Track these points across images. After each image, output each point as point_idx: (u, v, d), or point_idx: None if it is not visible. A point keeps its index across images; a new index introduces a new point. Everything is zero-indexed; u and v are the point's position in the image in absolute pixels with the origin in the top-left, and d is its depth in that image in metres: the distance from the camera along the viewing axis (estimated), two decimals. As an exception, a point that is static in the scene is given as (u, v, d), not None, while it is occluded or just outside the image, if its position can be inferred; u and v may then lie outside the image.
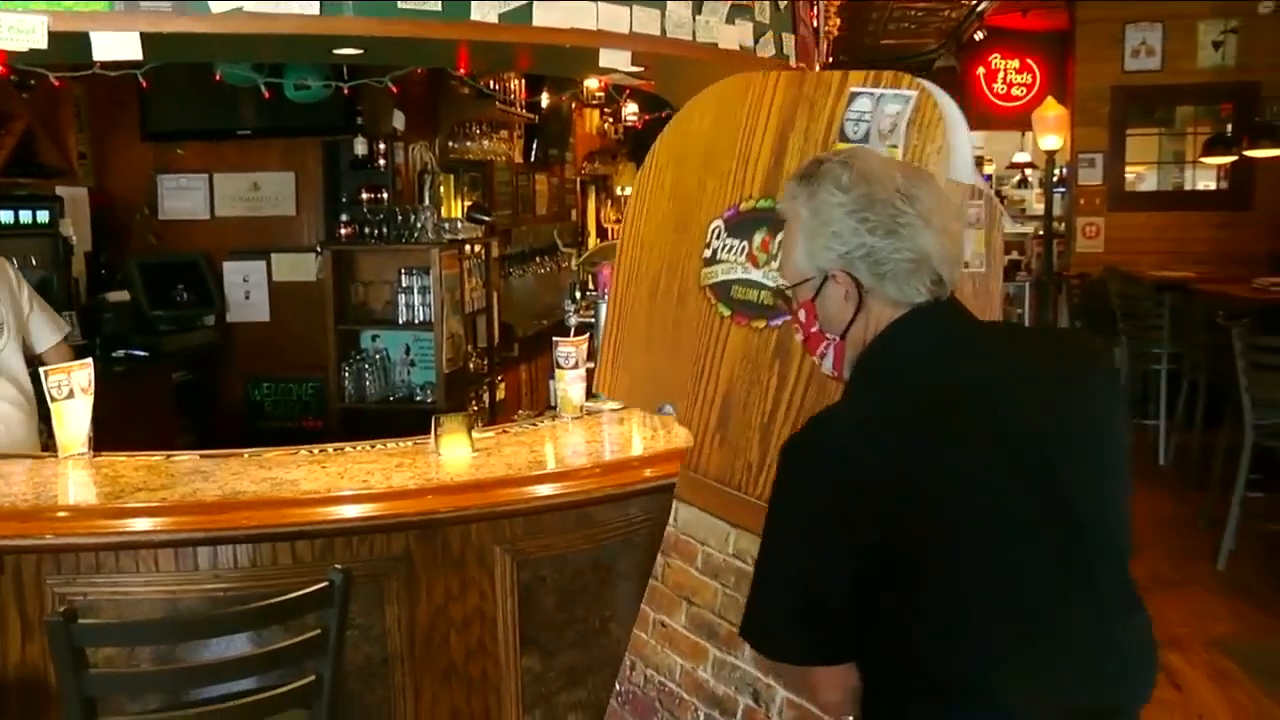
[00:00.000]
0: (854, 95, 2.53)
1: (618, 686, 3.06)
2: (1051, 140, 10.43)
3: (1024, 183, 15.32)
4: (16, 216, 6.03)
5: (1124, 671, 1.94)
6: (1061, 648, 1.88)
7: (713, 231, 2.80)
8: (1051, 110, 10.53)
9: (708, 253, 2.81)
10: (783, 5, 4.41)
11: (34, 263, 6.15)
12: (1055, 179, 10.94)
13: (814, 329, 2.08)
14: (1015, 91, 13.65)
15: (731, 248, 2.75)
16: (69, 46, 3.08)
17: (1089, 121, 10.73)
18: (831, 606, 1.92)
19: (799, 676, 2.13)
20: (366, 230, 6.87)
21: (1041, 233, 10.73)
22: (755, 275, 2.70)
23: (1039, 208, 12.08)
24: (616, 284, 3.04)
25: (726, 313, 2.76)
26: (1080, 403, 1.98)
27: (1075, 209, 10.78)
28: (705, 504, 2.80)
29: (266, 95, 4.89)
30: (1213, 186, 11.06)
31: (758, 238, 2.69)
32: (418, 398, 6.84)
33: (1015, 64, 13.67)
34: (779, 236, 2.51)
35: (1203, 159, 10.43)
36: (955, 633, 1.87)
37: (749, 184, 2.73)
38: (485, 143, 8.20)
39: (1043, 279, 10.39)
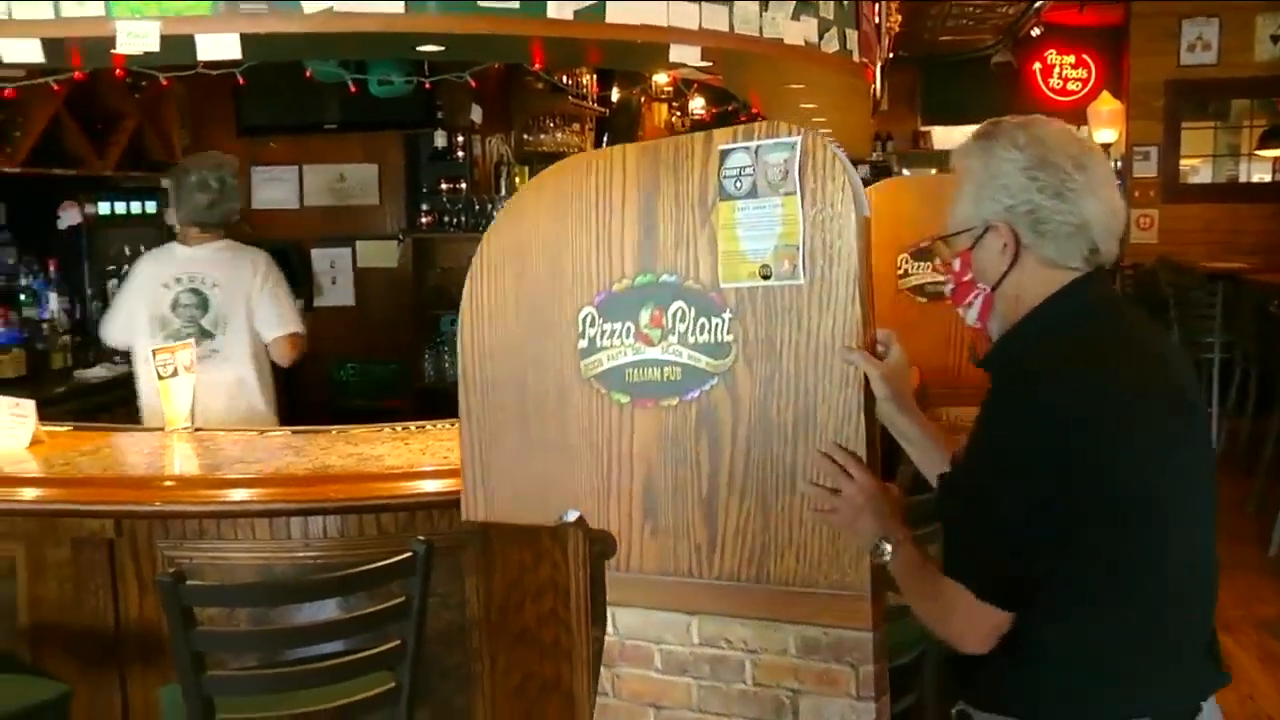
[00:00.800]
0: (726, 153, 2.30)
1: None
2: (1107, 134, 10.29)
3: (1079, 175, 15.07)
4: (127, 206, 6.19)
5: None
6: (1201, 625, 1.98)
7: (584, 320, 2.46)
8: (1107, 104, 10.38)
9: (583, 343, 2.46)
10: (846, 2, 4.37)
11: (141, 249, 6.26)
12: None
13: (966, 278, 2.07)
14: (1071, 86, 13.47)
15: (613, 332, 2.43)
16: (176, 49, 3.13)
17: (1144, 115, 10.56)
18: (1039, 544, 1.87)
19: (947, 614, 1.98)
20: (445, 219, 6.92)
21: (1096, 224, 10.57)
22: (653, 353, 2.39)
23: (1094, 199, 11.90)
24: (467, 401, 2.59)
25: (625, 399, 2.42)
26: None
27: (1129, 201, 10.61)
28: (649, 602, 2.45)
29: (353, 90, 4.93)
30: (1268, 179, 10.84)
31: (644, 315, 2.39)
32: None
33: (1071, 59, 13.49)
34: (672, 307, 2.35)
35: (1258, 151, 10.24)
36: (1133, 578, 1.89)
37: (617, 264, 2.42)
38: (558, 135, 8.23)
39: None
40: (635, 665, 2.49)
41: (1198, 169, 11.04)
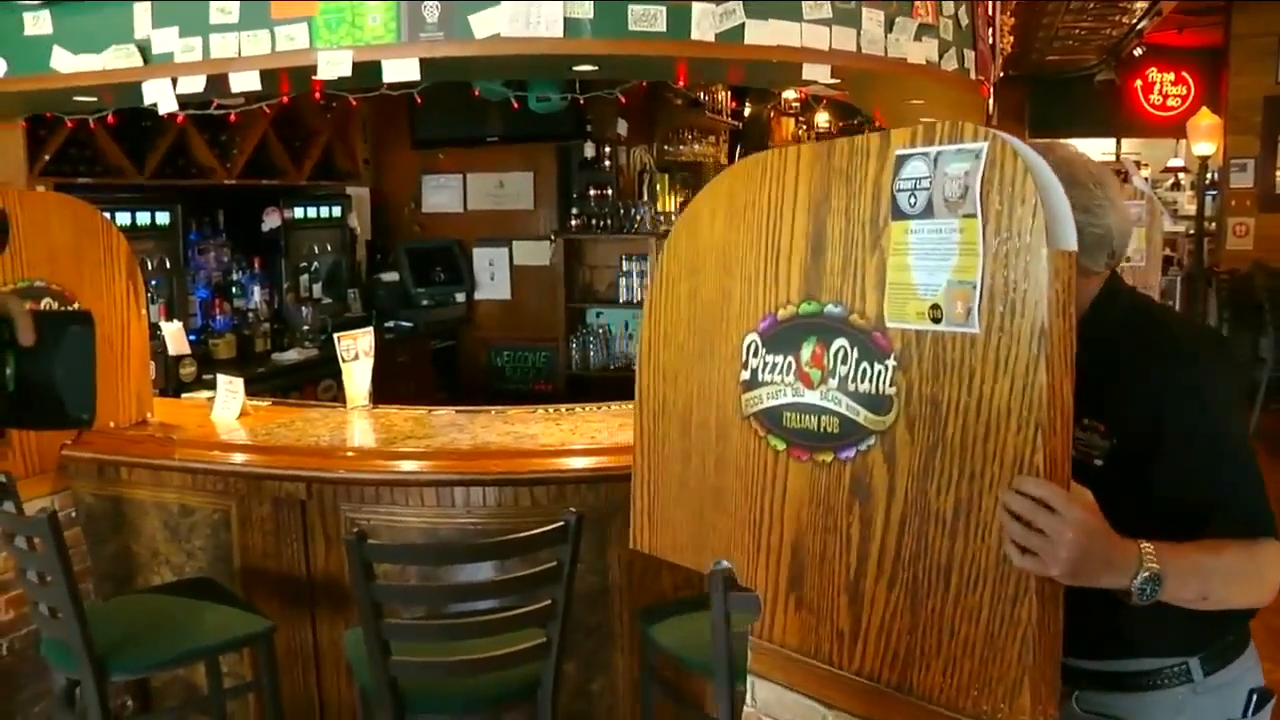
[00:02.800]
0: (902, 159, 1.72)
1: None
2: (1205, 146, 9.86)
3: (1176, 186, 14.51)
4: (319, 212, 6.41)
5: None
6: None
7: (748, 348, 1.97)
8: (1206, 119, 9.95)
9: (745, 374, 1.98)
10: (964, 24, 4.25)
11: (329, 249, 6.46)
12: (1207, 182, 10.35)
13: None
14: (1170, 102, 12.99)
15: (775, 366, 1.93)
16: (365, 73, 3.21)
17: (1241, 130, 10.10)
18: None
19: (1261, 576, 1.75)
20: (593, 222, 6.94)
21: (1193, 232, 10.16)
22: (811, 398, 1.88)
23: (1190, 209, 11.48)
24: (641, 422, 2.19)
25: (781, 446, 1.93)
26: None
27: (1226, 209, 10.16)
28: (788, 680, 1.98)
29: (516, 107, 4.96)
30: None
31: (806, 351, 1.88)
32: (634, 367, 6.85)
33: (1170, 77, 13.00)
34: (835, 344, 1.84)
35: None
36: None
37: (784, 287, 1.91)
38: (695, 146, 8.19)
39: (1193, 274, 9.85)
40: None
41: (1293, 180, 10.53)
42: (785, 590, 1.96)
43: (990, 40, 5.42)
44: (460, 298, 7.19)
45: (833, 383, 1.85)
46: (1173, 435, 1.79)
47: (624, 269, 6.82)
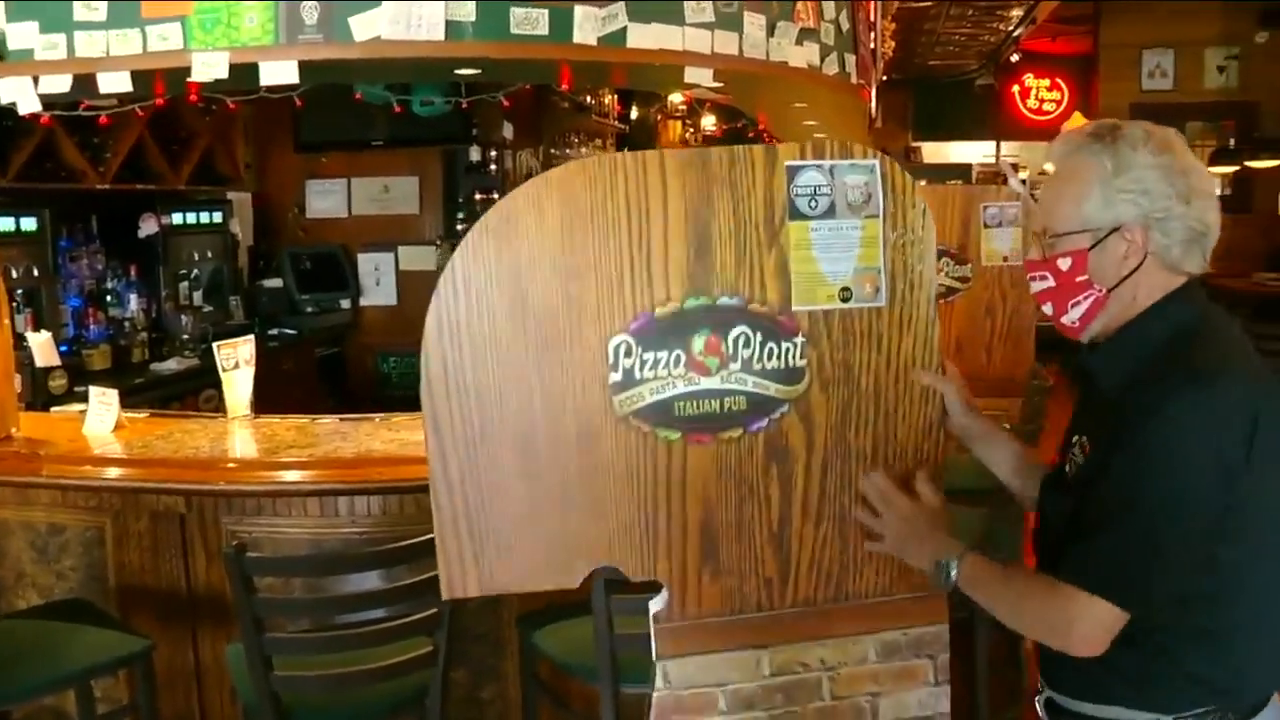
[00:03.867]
0: (796, 169, 1.99)
1: None
2: (1077, 150, 10.22)
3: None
4: (198, 217, 6.26)
5: None
6: None
7: (616, 350, 1.97)
8: (1078, 123, 10.27)
9: (616, 375, 1.97)
10: (845, 29, 4.33)
11: (210, 255, 6.31)
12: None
13: (1080, 278, 1.81)
14: (1046, 107, 13.42)
15: (658, 362, 1.98)
16: (242, 75, 3.14)
17: (1111, 134, 10.50)
18: (1185, 560, 1.69)
19: (1060, 618, 1.74)
20: (480, 226, 6.90)
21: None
22: (710, 383, 1.99)
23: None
24: (443, 462, 1.96)
25: (675, 435, 1.99)
26: None
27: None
28: (709, 646, 2.08)
29: (397, 110, 4.91)
30: (1218, 193, 10.78)
31: (698, 342, 1.98)
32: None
33: (1046, 82, 13.43)
34: (733, 332, 1.98)
35: (1210, 169, 10.14)
36: (1258, 574, 1.73)
37: (661, 286, 1.96)
38: (582, 150, 8.19)
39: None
40: (694, 714, 2.09)
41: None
42: (697, 568, 2.04)
43: (871, 45, 5.54)
44: (346, 304, 7.08)
45: (734, 366, 1.99)
46: (1111, 467, 1.72)
47: (512, 273, 6.80)
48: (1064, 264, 1.82)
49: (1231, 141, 9.92)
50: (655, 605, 2.06)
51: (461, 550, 1.97)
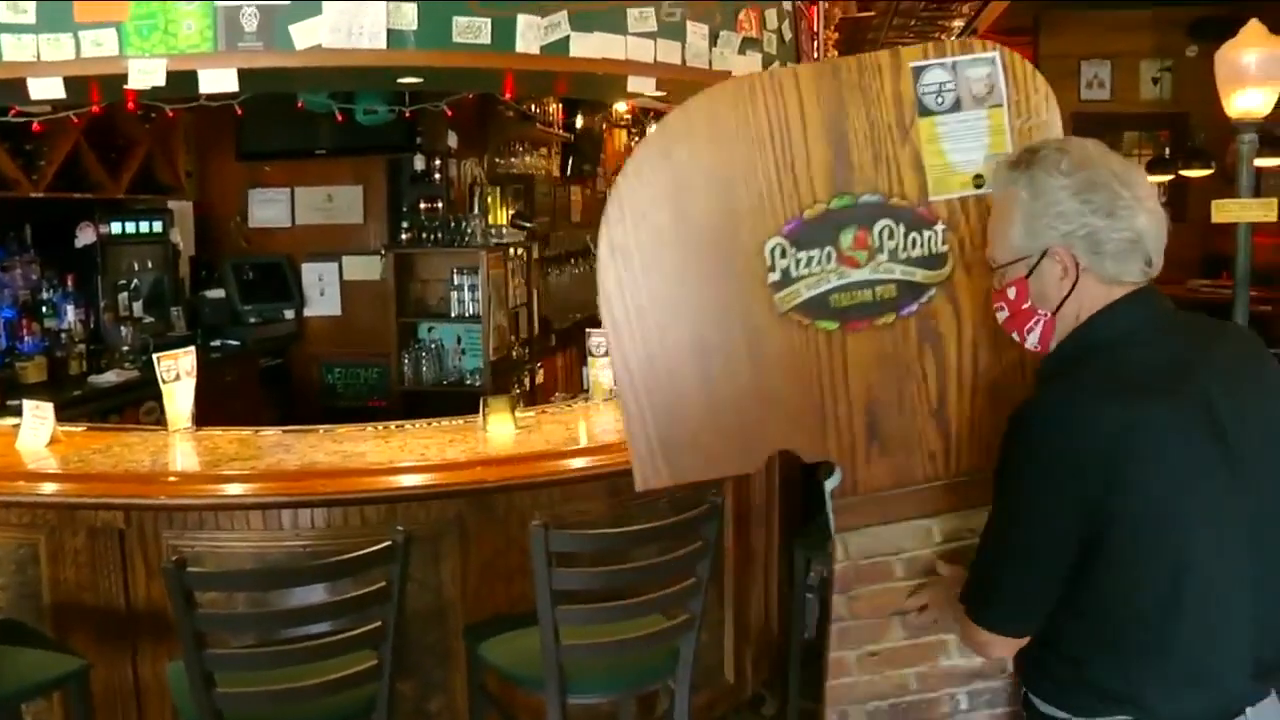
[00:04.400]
0: (921, 69, 2.16)
1: None
2: (1018, 158, 10.40)
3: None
4: (137, 227, 6.15)
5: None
6: (1233, 607, 1.76)
7: (772, 252, 2.17)
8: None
9: (774, 276, 2.18)
10: (787, 38, 4.36)
11: (150, 265, 6.21)
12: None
13: (1025, 305, 1.89)
14: (986, 116, 13.59)
15: (810, 260, 2.18)
16: (181, 83, 3.10)
17: (1050, 143, 10.70)
18: (1051, 577, 1.77)
19: (972, 634, 1.92)
20: (424, 235, 6.85)
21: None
22: (860, 275, 2.19)
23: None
24: (627, 373, 2.19)
25: (833, 325, 2.20)
26: (1259, 385, 1.85)
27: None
28: (885, 517, 2.28)
29: (340, 119, 4.87)
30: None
31: (846, 238, 2.18)
32: (468, 382, 6.81)
33: (986, 92, 13.61)
34: (878, 226, 2.18)
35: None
36: (1140, 592, 1.75)
37: (807, 187, 2.17)
38: (527, 159, 8.16)
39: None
40: (873, 582, 2.30)
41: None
42: (864, 446, 2.25)
43: (815, 54, 5.58)
44: (289, 314, 6.99)
45: (882, 257, 2.19)
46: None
47: (456, 282, 6.74)
48: (1011, 293, 1.90)
49: (1166, 151, 10.10)
50: (830, 484, 2.27)
51: (651, 448, 2.21)
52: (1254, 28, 5.15)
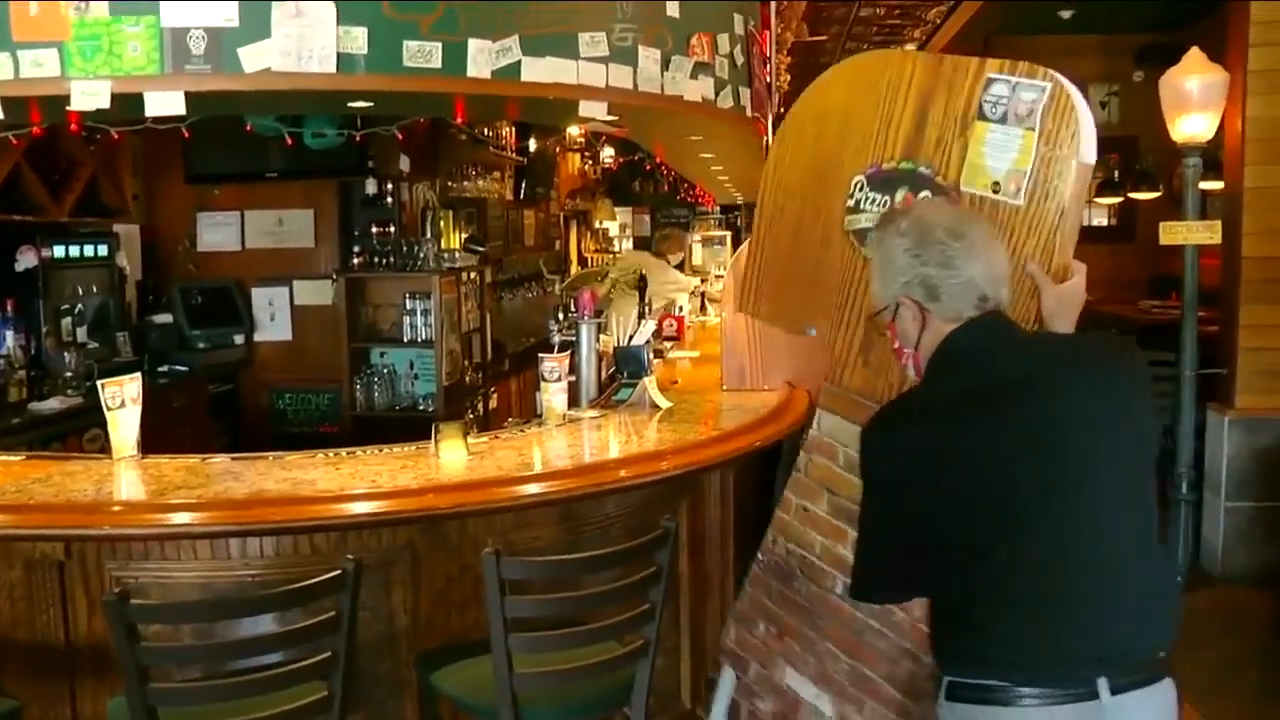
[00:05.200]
0: (991, 80, 2.54)
1: (760, 556, 3.12)
2: (968, 182, 10.51)
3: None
4: (82, 250, 6.06)
5: (1135, 616, 1.98)
6: (1064, 599, 1.96)
7: (856, 184, 2.78)
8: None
9: (850, 202, 2.80)
10: (739, 63, 4.40)
11: (95, 290, 6.12)
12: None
13: (895, 344, 2.24)
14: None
15: (875, 200, 2.73)
16: (126, 105, 3.07)
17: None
18: (912, 563, 2.08)
19: None
20: (376, 260, 6.83)
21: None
22: None
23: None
24: (759, 226, 3.09)
25: (868, 255, 2.66)
26: (1108, 389, 2.06)
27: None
28: (847, 413, 2.82)
29: (289, 143, 4.85)
30: (1104, 223, 11.14)
31: (899, 195, 2.68)
32: (420, 407, 6.78)
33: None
34: (921, 194, 2.63)
35: (1096, 199, 10.53)
36: (974, 580, 2.01)
37: (891, 146, 2.72)
38: (480, 182, 8.16)
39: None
40: (825, 457, 2.91)
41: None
42: (857, 353, 2.84)
43: (767, 78, 5.63)
44: (239, 339, 6.93)
45: None
46: None
47: (408, 307, 6.72)
48: (889, 334, 2.26)
49: (1116, 174, 10.26)
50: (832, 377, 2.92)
51: (754, 285, 3.19)
52: (1194, 55, 5.27)
